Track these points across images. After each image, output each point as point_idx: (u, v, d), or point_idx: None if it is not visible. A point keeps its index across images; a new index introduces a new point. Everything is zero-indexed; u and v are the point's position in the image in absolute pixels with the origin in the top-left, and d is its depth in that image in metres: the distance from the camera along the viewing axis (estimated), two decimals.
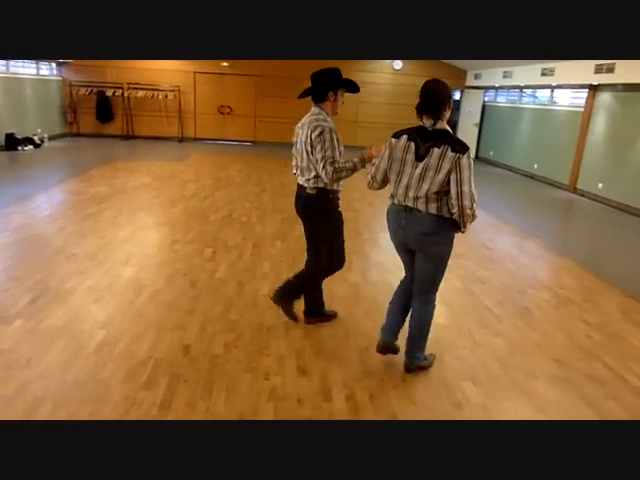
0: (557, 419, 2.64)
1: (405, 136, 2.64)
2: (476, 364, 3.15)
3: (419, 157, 2.56)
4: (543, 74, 10.62)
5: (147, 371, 2.77)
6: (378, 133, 12.79)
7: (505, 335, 3.56)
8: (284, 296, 3.39)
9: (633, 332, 3.77)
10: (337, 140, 2.98)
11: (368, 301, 3.95)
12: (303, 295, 3.46)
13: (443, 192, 2.54)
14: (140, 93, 13.40)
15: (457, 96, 15.27)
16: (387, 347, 2.97)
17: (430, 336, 3.37)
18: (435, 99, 2.56)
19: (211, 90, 14.10)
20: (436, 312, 3.42)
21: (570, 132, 10.10)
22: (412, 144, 2.59)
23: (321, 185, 3.03)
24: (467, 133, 14.57)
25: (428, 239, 2.65)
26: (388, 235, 2.90)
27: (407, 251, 2.84)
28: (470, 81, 14.48)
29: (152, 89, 13.45)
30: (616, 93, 8.95)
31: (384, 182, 2.82)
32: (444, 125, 2.60)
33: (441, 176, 2.50)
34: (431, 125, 2.58)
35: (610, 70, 8.51)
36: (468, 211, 2.51)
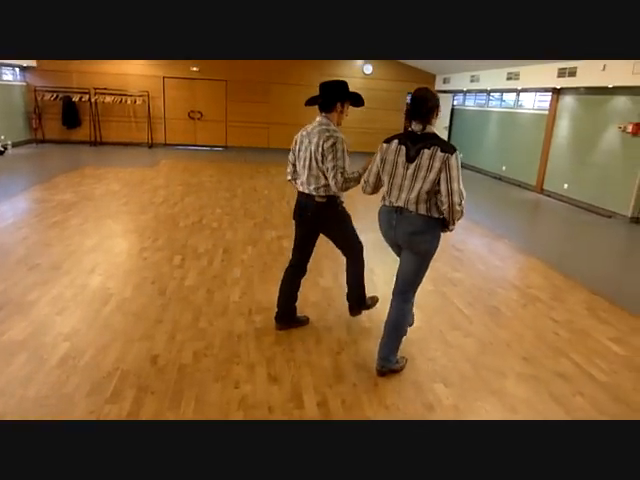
0: (527, 418, 2.67)
1: (396, 140, 2.78)
2: (447, 365, 3.17)
3: (410, 159, 2.70)
4: (509, 78, 10.87)
5: (113, 383, 2.70)
6: (350, 137, 12.80)
7: (475, 335, 3.60)
8: (358, 305, 3.53)
9: (598, 329, 3.86)
10: (347, 151, 3.10)
11: (340, 306, 3.94)
12: (283, 299, 3.47)
13: (433, 191, 2.67)
14: (108, 98, 13.14)
15: None
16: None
17: (402, 338, 3.39)
18: (425, 106, 2.69)
19: (181, 95, 13.94)
20: None
21: (536, 134, 10.34)
22: (403, 147, 2.73)
23: (331, 193, 3.13)
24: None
25: (416, 237, 2.80)
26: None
27: (398, 247, 2.98)
28: (439, 85, 14.70)
29: (120, 94, 13.21)
30: (578, 96, 9.21)
31: (376, 186, 2.96)
32: (432, 130, 2.74)
33: (433, 175, 2.63)
34: (420, 130, 2.72)
35: (572, 74, 8.76)
36: (457, 207, 2.66)
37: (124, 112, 13.63)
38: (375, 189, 2.98)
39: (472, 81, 12.55)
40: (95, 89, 13.10)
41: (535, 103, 10.70)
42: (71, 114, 13.19)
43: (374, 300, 3.69)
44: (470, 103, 13.79)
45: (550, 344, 3.55)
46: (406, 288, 2.97)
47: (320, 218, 3.25)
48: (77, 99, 13.01)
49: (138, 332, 3.29)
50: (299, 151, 3.22)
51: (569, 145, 9.45)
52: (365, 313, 3.72)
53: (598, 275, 5.21)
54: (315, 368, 3.01)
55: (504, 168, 11.56)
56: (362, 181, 2.99)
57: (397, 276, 3.00)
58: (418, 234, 2.78)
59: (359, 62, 14.53)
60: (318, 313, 3.78)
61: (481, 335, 3.62)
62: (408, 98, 15.44)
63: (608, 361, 3.36)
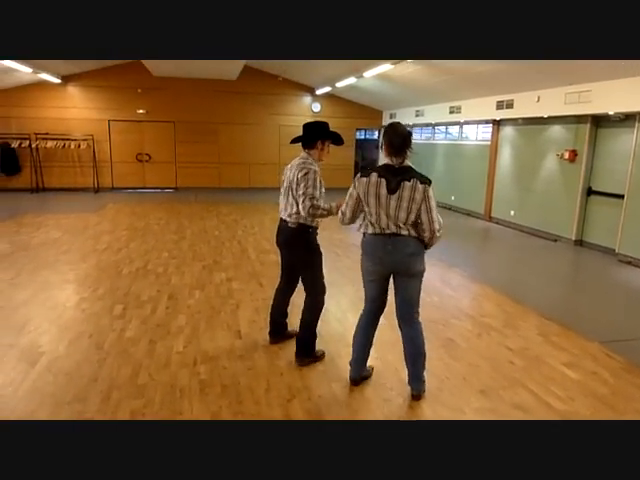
0: None
1: (375, 174, 2.90)
2: (403, 406, 3.04)
3: (391, 190, 2.85)
4: (451, 112, 11.26)
5: None
6: None
7: (431, 370, 3.49)
8: (304, 353, 3.55)
9: (552, 354, 3.85)
10: (320, 182, 3.34)
11: (292, 348, 3.76)
12: (274, 316, 3.79)
13: (416, 219, 2.88)
14: (50, 143, 12.72)
15: (375, 135, 15.86)
16: (361, 378, 3.27)
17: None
18: (403, 141, 2.87)
19: (127, 138, 13.68)
20: None
21: (481, 164, 10.68)
22: (383, 180, 2.87)
23: (301, 220, 3.36)
24: None
25: (413, 258, 2.95)
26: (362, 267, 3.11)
27: (385, 279, 3.07)
28: (386, 120, 15.09)
29: (63, 139, 12.82)
30: (517, 126, 9.62)
31: (353, 218, 3.10)
32: (407, 162, 2.93)
33: (416, 205, 2.84)
34: (399, 163, 2.90)
35: (510, 106, 9.15)
36: (437, 234, 2.92)
37: (68, 157, 13.22)
38: (352, 219, 3.10)
39: (417, 115, 12.95)
40: (36, 134, 12.68)
41: (478, 134, 11.10)
42: (10, 161, 12.66)
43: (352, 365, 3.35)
44: (417, 137, 14.17)
45: (506, 374, 3.49)
46: (413, 310, 3.12)
47: (291, 244, 3.48)
48: (16, 145, 12.53)
49: (69, 394, 3.00)
50: (283, 182, 3.50)
51: (513, 173, 9.79)
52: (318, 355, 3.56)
53: (548, 299, 5.27)
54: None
55: (453, 198, 11.83)
56: (339, 214, 3.13)
57: (399, 306, 3.12)
58: (415, 255, 2.95)
59: (307, 100, 14.77)
60: (268, 357, 3.59)
61: (437, 370, 3.52)
62: (376, 134, 15.79)
63: (564, 388, 3.32)
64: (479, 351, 3.86)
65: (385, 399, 3.10)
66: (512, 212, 9.73)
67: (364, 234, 3.04)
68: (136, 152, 13.87)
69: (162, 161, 14.08)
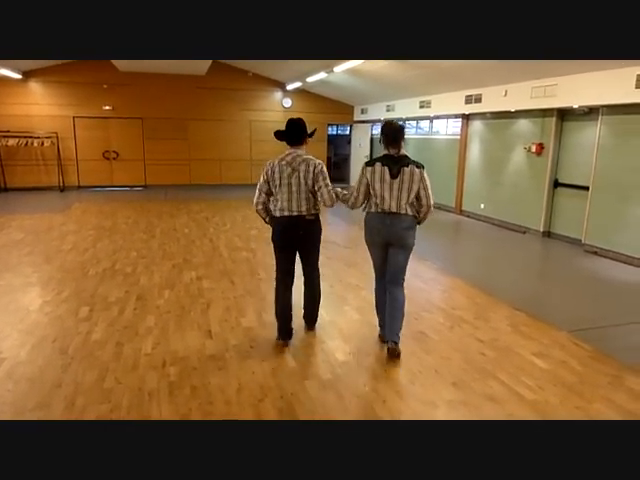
0: None
1: (378, 163, 3.51)
2: (377, 400, 3.02)
3: (393, 176, 3.46)
4: (421, 106, 11.32)
5: None
6: None
7: (404, 364, 3.50)
8: (313, 320, 4.04)
9: (522, 344, 3.90)
10: None
11: (264, 347, 3.72)
12: (286, 316, 3.83)
13: (415, 198, 3.51)
14: (11, 141, 12.27)
15: (347, 131, 15.85)
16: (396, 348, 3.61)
17: (330, 376, 3.27)
18: (399, 135, 3.50)
19: (93, 135, 13.31)
20: (334, 348, 3.77)
21: (451, 158, 10.79)
22: (386, 168, 3.48)
23: (317, 211, 3.71)
24: (359, 165, 15.07)
25: (407, 232, 3.54)
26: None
27: (384, 247, 3.63)
28: (357, 116, 15.10)
29: (25, 137, 12.39)
30: (486, 121, 9.74)
31: (363, 201, 3.63)
32: (403, 151, 3.52)
33: (415, 187, 3.48)
34: (396, 153, 3.50)
35: (478, 100, 9.25)
36: (432, 208, 3.60)
37: (31, 155, 12.78)
38: (363, 202, 3.64)
39: (388, 110, 12.98)
40: None
41: (448, 129, 11.20)
42: None
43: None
44: None
45: (477, 366, 3.52)
46: (400, 276, 3.67)
47: (312, 233, 3.73)
48: None
49: (31, 401, 2.88)
50: (280, 179, 3.58)
51: (482, 167, 9.92)
52: (289, 352, 3.53)
53: (517, 290, 5.35)
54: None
55: None
56: (352, 198, 3.63)
57: (389, 271, 3.66)
58: (408, 229, 3.54)
59: (278, 96, 14.65)
60: (240, 356, 3.53)
61: (409, 363, 3.52)
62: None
63: (534, 377, 3.36)
64: (451, 343, 3.89)
65: (357, 395, 3.08)
66: (482, 205, 9.86)
67: (368, 212, 3.63)
68: (103, 149, 13.51)
69: (130, 159, 13.75)
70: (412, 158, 3.52)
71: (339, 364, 3.47)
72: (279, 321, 3.78)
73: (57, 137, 12.81)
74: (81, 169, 13.38)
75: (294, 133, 3.65)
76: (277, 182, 3.58)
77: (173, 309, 4.43)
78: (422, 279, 5.59)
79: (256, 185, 3.72)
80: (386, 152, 3.52)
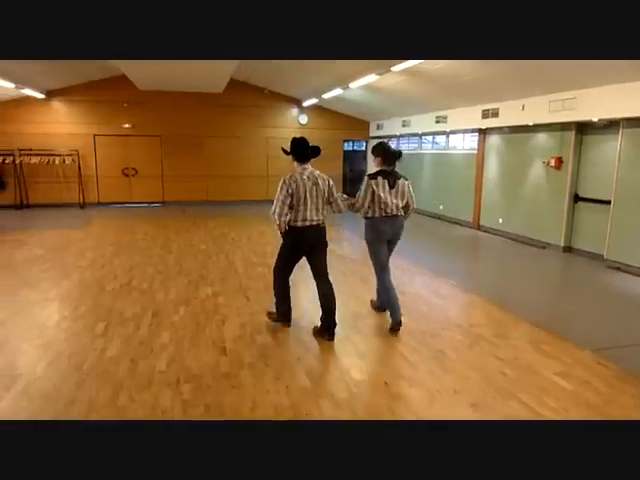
0: None
1: (380, 176, 4.36)
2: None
3: (391, 186, 4.37)
4: (437, 121, 11.30)
5: None
6: None
7: (421, 384, 3.42)
8: (335, 324, 4.19)
9: (543, 363, 3.78)
10: None
11: (278, 364, 3.67)
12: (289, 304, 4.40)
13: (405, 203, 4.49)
14: (34, 159, 12.56)
15: (363, 147, 15.88)
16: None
17: (345, 395, 3.21)
18: (396, 154, 4.54)
19: (113, 152, 13.56)
20: (350, 366, 3.74)
21: (468, 173, 10.70)
22: (385, 180, 4.35)
23: (324, 219, 4.20)
24: None
25: (402, 230, 4.52)
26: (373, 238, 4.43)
27: (386, 244, 4.47)
28: (373, 131, 15.13)
29: (47, 154, 12.67)
30: (503, 135, 9.66)
31: (367, 207, 4.37)
32: (395, 167, 4.49)
33: (407, 195, 4.47)
34: (391, 169, 4.44)
35: (495, 114, 9.20)
36: (414, 208, 4.63)
37: (52, 172, 13.05)
38: (366, 208, 4.37)
39: (404, 126, 12.98)
40: (20, 150, 12.52)
41: (465, 143, 11.14)
42: None
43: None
44: (404, 147, 14.22)
45: (498, 385, 3.41)
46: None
47: (324, 238, 4.18)
48: (0, 161, 12.36)
49: (45, 418, 2.87)
50: (305, 192, 3.97)
51: (500, 181, 9.81)
52: (303, 370, 3.48)
53: (537, 307, 5.22)
54: None
55: (441, 207, 11.84)
56: (359, 204, 4.36)
57: (386, 260, 4.51)
58: (402, 227, 4.51)
59: (294, 112, 14.77)
60: (254, 374, 3.49)
61: (427, 383, 3.43)
62: (363, 145, 15.79)
63: (556, 398, 3.24)
64: (470, 362, 3.79)
65: (374, 415, 3.01)
66: (500, 220, 9.73)
67: (372, 218, 4.37)
68: (122, 167, 13.75)
69: (149, 175, 13.96)
70: (400, 173, 4.47)
71: (355, 383, 3.40)
72: (285, 305, 4.33)
73: (78, 154, 13.08)
74: (101, 186, 13.61)
75: (312, 151, 4.09)
76: (302, 195, 3.96)
77: (188, 325, 4.42)
78: (439, 295, 5.50)
79: (272, 201, 3.95)
80: (383, 168, 4.41)
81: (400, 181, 4.40)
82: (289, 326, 4.37)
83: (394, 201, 4.34)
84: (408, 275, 6.38)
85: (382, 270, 4.46)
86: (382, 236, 4.40)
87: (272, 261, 7.05)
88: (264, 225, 10.07)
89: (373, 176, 4.35)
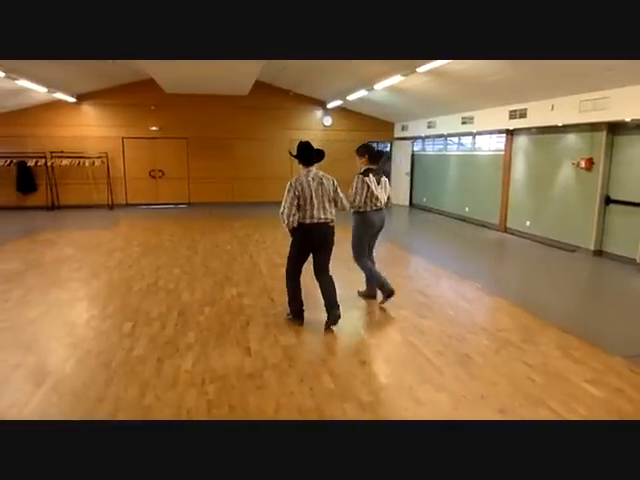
0: None
1: (370, 174, 4.87)
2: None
3: (378, 182, 4.93)
4: (463, 122, 11.16)
5: None
6: None
7: (447, 388, 3.37)
8: (338, 315, 4.38)
9: (573, 369, 3.69)
10: None
11: (302, 366, 3.67)
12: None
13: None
14: (65, 161, 12.88)
15: (387, 148, 15.80)
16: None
17: (370, 398, 3.18)
18: (377, 154, 5.08)
19: (141, 155, 13.82)
20: (375, 369, 3.75)
21: (495, 175, 10.54)
22: (373, 177, 4.88)
23: (333, 217, 4.43)
24: (400, 182, 14.96)
25: (385, 219, 5.08)
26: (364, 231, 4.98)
27: (375, 234, 5.10)
28: (398, 133, 15.04)
29: (77, 157, 12.99)
30: (531, 136, 9.48)
31: (364, 202, 4.88)
32: (378, 165, 5.04)
33: (388, 190, 5.07)
34: (377, 167, 4.99)
35: (523, 115, 9.03)
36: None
37: (82, 174, 13.37)
38: (364, 203, 4.87)
39: (429, 127, 12.86)
40: (51, 153, 12.86)
41: (491, 145, 10.97)
42: (26, 179, 12.85)
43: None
44: (429, 148, 14.10)
45: (526, 392, 3.34)
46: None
47: (332, 235, 4.42)
48: (32, 164, 12.72)
49: (74, 415, 2.93)
50: (310, 192, 4.24)
51: (528, 183, 9.63)
52: (327, 372, 3.47)
53: (567, 312, 5.10)
54: None
55: (467, 209, 11.68)
56: (357, 200, 4.82)
57: (371, 247, 5.18)
58: (385, 218, 5.07)
59: (319, 114, 14.80)
60: (278, 376, 3.49)
61: (453, 387, 3.38)
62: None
63: (587, 406, 3.16)
64: (497, 367, 3.72)
65: (398, 418, 2.97)
66: (528, 222, 9.55)
67: (364, 212, 4.88)
68: (149, 168, 13.99)
69: (175, 177, 14.17)
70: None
71: (380, 386, 3.38)
72: (297, 304, 4.49)
73: (107, 157, 13.36)
74: (129, 187, 13.88)
75: (318, 155, 4.39)
76: (308, 196, 4.21)
77: (213, 326, 4.46)
78: (465, 299, 5.42)
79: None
80: (370, 166, 4.93)
81: (382, 178, 5.00)
82: (301, 324, 4.46)
83: (381, 195, 4.90)
84: (434, 278, 6.31)
85: (364, 255, 5.03)
86: (373, 227, 4.96)
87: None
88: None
89: (365, 174, 4.84)
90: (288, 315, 4.60)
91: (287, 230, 4.37)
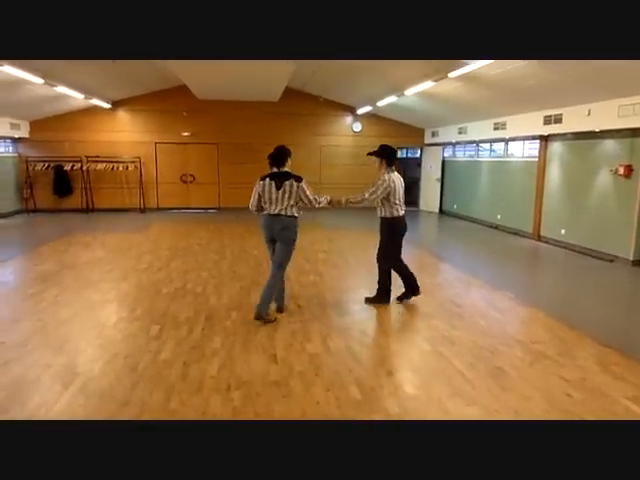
0: None
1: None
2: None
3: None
4: (496, 128, 10.93)
5: None
6: (341, 193, 12.74)
7: (479, 402, 3.24)
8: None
9: (613, 386, 3.50)
10: None
11: (329, 375, 3.59)
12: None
13: None
14: (100, 166, 13.22)
15: (417, 154, 15.62)
16: None
17: (397, 410, 3.10)
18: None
19: (173, 160, 14.05)
20: (403, 380, 3.66)
21: (528, 181, 10.27)
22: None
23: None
24: (429, 188, 14.76)
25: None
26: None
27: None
28: (428, 139, 14.85)
29: (112, 161, 13.30)
30: (567, 142, 9.20)
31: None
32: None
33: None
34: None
35: (558, 121, 8.78)
36: None
37: (116, 178, 13.68)
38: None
39: (460, 133, 12.66)
40: (87, 157, 13.20)
41: (524, 151, 10.70)
42: (62, 183, 13.23)
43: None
44: (460, 154, 13.87)
45: (563, 408, 3.18)
46: None
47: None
48: (69, 168, 13.09)
49: (99, 418, 2.93)
50: (397, 188, 5.09)
51: (563, 190, 9.34)
52: (354, 382, 3.39)
53: (606, 325, 4.88)
54: None
55: (499, 217, 11.41)
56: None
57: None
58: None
59: (348, 120, 14.75)
60: (304, 384, 3.43)
61: (485, 401, 3.25)
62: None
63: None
64: (531, 381, 3.57)
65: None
66: (563, 231, 9.25)
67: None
68: (181, 173, 14.20)
69: (206, 182, 14.34)
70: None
71: (408, 397, 3.28)
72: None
73: (140, 162, 13.63)
74: (160, 192, 14.12)
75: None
76: (397, 190, 5.01)
77: (240, 331, 4.43)
78: (497, 309, 5.25)
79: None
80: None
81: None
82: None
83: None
84: (464, 287, 6.16)
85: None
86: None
87: (324, 269, 7.09)
88: (316, 232, 10.07)
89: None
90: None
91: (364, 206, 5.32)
